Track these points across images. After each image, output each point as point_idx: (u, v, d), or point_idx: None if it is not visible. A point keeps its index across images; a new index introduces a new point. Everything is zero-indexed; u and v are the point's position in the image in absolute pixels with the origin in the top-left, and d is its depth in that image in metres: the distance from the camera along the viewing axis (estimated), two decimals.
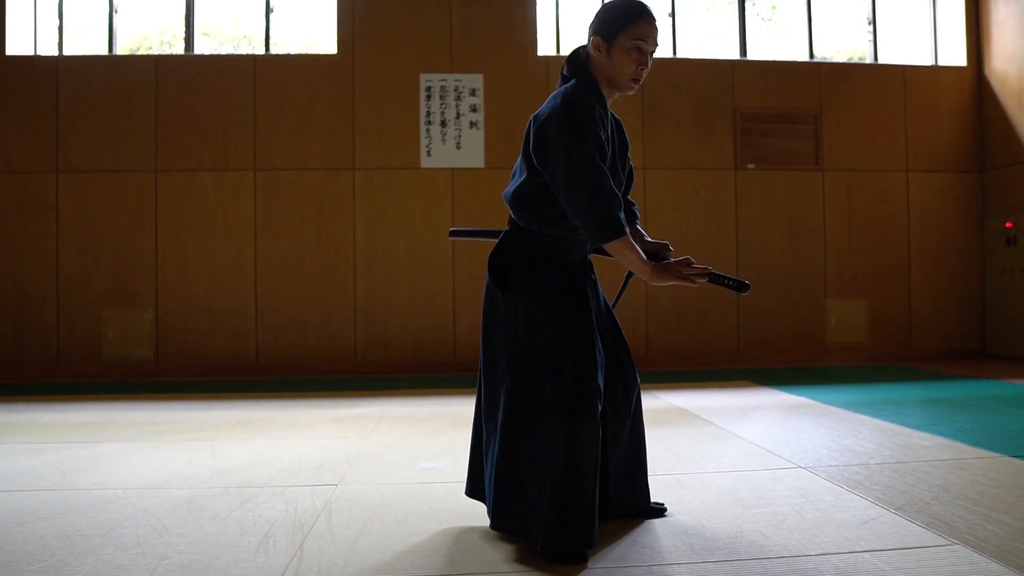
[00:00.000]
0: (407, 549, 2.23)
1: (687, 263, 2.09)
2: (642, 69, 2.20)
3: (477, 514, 2.56)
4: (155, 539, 2.32)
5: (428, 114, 7.28)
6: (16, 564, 2.12)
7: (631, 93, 2.29)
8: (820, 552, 2.14)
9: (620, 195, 2.22)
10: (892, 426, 4.07)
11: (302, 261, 7.22)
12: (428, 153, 7.28)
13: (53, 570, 2.07)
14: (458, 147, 7.28)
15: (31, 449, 3.74)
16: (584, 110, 2.13)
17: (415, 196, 7.29)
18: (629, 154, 2.45)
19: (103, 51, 7.54)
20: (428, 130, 7.28)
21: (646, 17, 2.18)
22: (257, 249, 7.20)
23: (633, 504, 2.45)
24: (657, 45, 2.23)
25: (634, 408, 2.43)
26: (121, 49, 7.69)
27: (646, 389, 5.52)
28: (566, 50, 7.69)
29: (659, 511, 2.52)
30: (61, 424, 4.49)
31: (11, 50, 7.16)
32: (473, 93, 7.29)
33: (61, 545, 2.27)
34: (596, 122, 2.12)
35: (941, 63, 8.14)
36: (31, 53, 7.35)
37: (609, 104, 2.30)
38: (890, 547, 2.17)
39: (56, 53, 7.47)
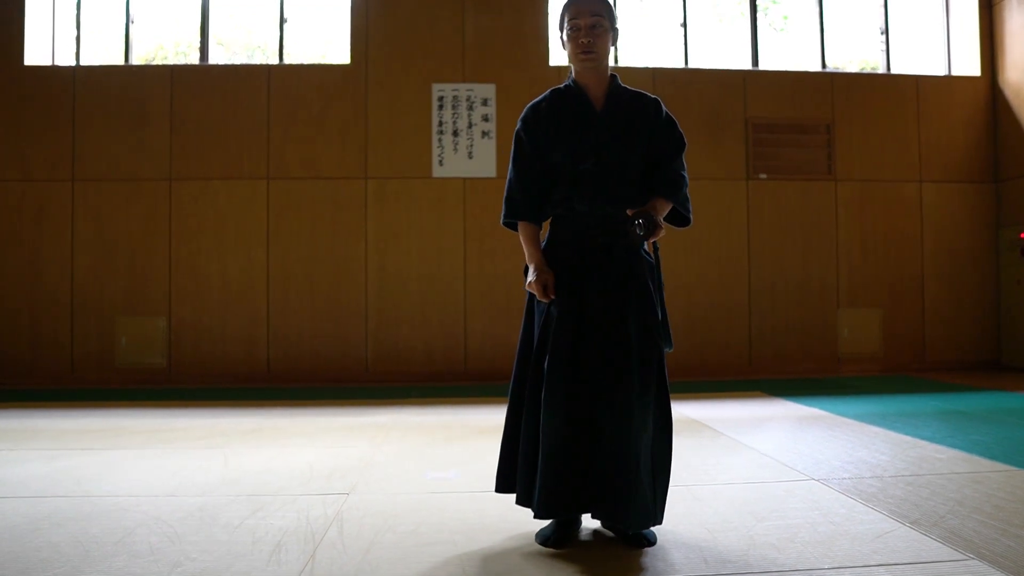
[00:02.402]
0: (419, 559, 2.23)
1: (536, 280, 2.36)
2: (585, 41, 2.38)
3: (489, 524, 2.56)
4: (168, 547, 2.33)
5: (440, 123, 7.32)
6: (30, 570, 2.13)
7: (591, 66, 2.42)
8: (834, 566, 2.13)
9: (530, 187, 2.47)
10: (906, 438, 4.03)
11: (314, 269, 7.25)
12: (440, 162, 7.31)
13: None
14: (470, 156, 7.31)
15: (45, 456, 3.77)
16: (524, 115, 2.53)
17: (427, 205, 7.32)
18: (639, 127, 2.44)
19: (119, 61, 7.62)
20: (440, 139, 7.31)
21: (573, 1, 2.41)
22: (269, 257, 7.24)
23: (615, 519, 2.27)
24: (596, 16, 2.37)
25: (624, 415, 2.24)
26: (137, 59, 7.77)
27: None
28: None
29: (638, 540, 2.34)
30: (75, 431, 4.52)
31: (29, 60, 7.25)
32: (485, 103, 7.32)
33: (75, 552, 2.28)
34: (527, 123, 2.50)
35: (955, 73, 8.11)
36: (49, 63, 7.44)
37: (602, 88, 2.47)
38: (905, 561, 2.15)
39: (73, 63, 7.56)
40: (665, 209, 2.43)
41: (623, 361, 2.27)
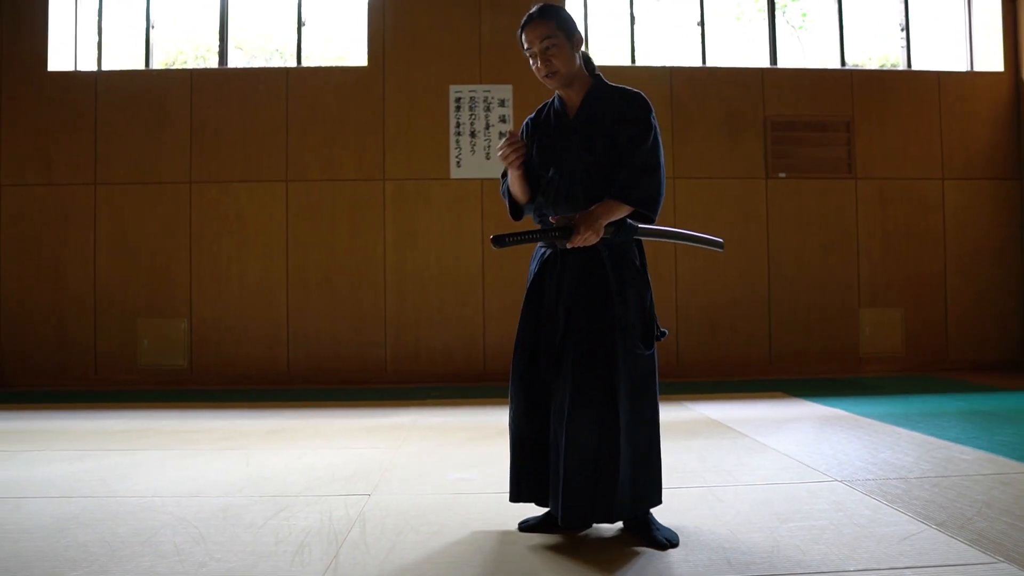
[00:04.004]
0: (442, 559, 2.24)
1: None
2: (543, 66, 2.43)
3: (512, 525, 2.56)
4: (193, 547, 2.36)
5: (458, 125, 7.33)
6: (58, 570, 2.16)
7: (556, 85, 2.48)
8: (860, 568, 2.11)
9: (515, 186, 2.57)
10: (931, 439, 3.99)
11: (333, 271, 7.28)
12: (458, 163, 7.32)
13: None
14: (488, 157, 7.31)
15: (71, 456, 3.82)
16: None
17: (445, 206, 7.33)
18: (607, 127, 2.42)
19: (140, 66, 7.70)
20: (458, 140, 7.32)
21: (523, 28, 2.48)
22: (289, 259, 7.29)
23: (604, 513, 2.30)
24: (543, 41, 2.41)
25: (558, 415, 2.34)
26: (157, 64, 7.85)
27: (677, 400, 5.48)
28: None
29: (661, 542, 2.33)
30: (99, 432, 4.57)
31: (53, 66, 7.35)
32: (502, 103, 7.32)
33: (102, 552, 2.31)
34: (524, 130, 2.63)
35: (977, 68, 8.00)
36: (71, 69, 7.53)
37: (581, 95, 2.50)
38: (933, 564, 2.12)
39: (95, 68, 7.65)
40: (615, 210, 2.32)
41: (559, 362, 2.39)
